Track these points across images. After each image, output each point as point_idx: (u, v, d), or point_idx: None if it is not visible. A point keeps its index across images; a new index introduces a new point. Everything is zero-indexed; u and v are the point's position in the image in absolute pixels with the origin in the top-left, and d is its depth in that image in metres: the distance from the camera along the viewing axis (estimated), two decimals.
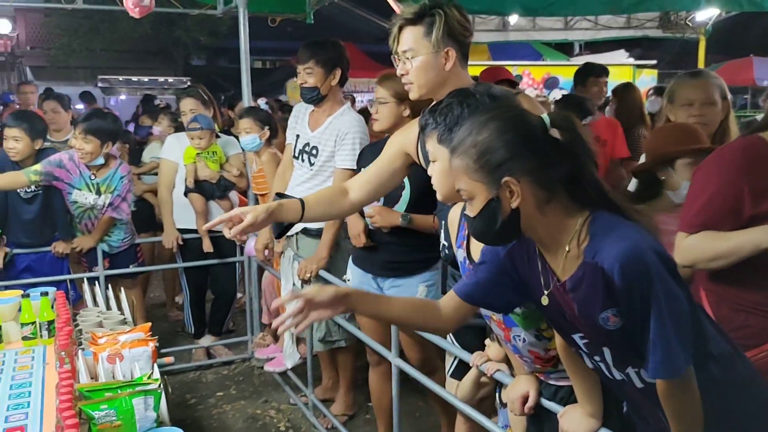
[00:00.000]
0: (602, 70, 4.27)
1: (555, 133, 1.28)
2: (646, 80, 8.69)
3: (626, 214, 1.30)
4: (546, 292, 1.35)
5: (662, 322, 1.21)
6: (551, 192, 1.28)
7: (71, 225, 3.75)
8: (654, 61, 9.72)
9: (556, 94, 7.99)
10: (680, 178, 2.16)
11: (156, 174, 4.88)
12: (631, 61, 9.26)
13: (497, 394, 1.98)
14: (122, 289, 3.02)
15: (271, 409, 3.59)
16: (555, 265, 1.34)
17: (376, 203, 2.76)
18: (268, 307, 4.06)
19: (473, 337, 2.08)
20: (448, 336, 2.22)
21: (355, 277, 2.94)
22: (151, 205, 4.83)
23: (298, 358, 3.48)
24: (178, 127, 5.00)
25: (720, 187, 1.72)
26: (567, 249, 1.30)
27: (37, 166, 3.48)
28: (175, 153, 4.00)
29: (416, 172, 2.58)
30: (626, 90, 4.55)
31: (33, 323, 2.56)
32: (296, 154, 3.26)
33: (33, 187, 3.56)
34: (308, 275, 3.08)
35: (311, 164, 3.16)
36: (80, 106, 9.34)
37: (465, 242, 1.73)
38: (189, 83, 14.23)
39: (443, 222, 2.01)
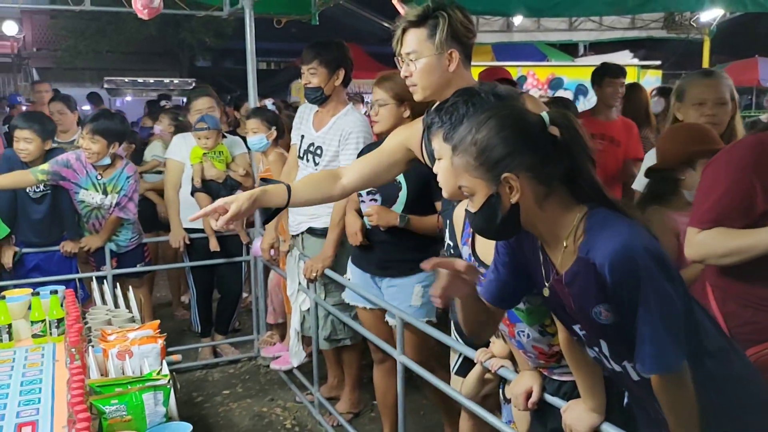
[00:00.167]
0: (618, 71, 4.20)
1: (554, 130, 1.31)
2: (650, 81, 8.68)
3: (622, 211, 1.32)
4: (547, 285, 1.38)
5: (651, 318, 1.24)
6: (550, 188, 1.32)
7: (79, 225, 3.79)
8: (658, 62, 9.71)
9: (561, 95, 8.01)
10: (700, 178, 2.17)
11: (157, 173, 4.95)
12: (636, 61, 9.26)
13: (501, 391, 2.01)
14: (130, 287, 3.06)
15: (277, 407, 3.62)
16: (555, 258, 1.37)
17: (375, 203, 2.78)
18: (274, 308, 4.09)
19: None
20: (452, 333, 2.24)
21: (354, 277, 2.96)
22: (153, 204, 4.86)
23: (304, 356, 3.51)
24: (178, 126, 5.08)
25: (732, 184, 1.73)
26: (565, 244, 1.33)
27: (45, 166, 3.51)
28: (181, 153, 4.04)
29: (413, 173, 2.61)
30: (633, 90, 4.55)
31: (43, 321, 2.60)
32: (301, 154, 3.28)
33: (41, 187, 3.60)
34: (314, 274, 3.11)
35: (316, 164, 3.19)
36: (87, 107, 9.40)
37: (470, 239, 1.75)
38: (194, 84, 14.30)
39: (448, 221, 2.03)
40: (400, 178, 2.70)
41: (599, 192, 1.33)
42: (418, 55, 1.98)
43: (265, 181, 2.16)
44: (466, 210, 1.41)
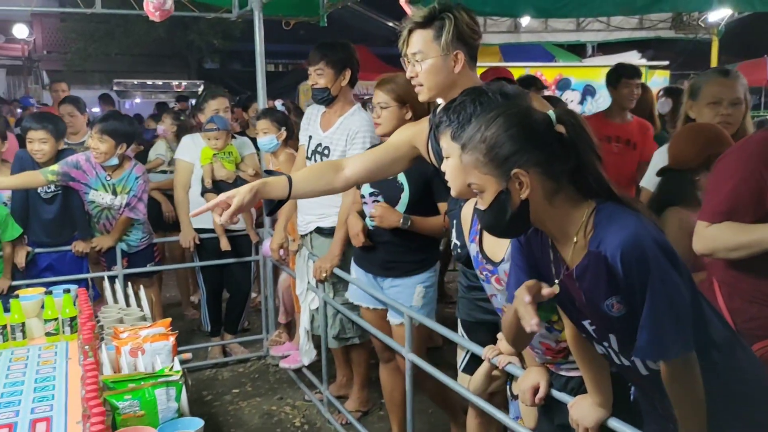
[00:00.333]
0: (634, 72, 4.10)
1: (560, 128, 1.33)
2: (658, 81, 8.65)
3: (629, 205, 1.35)
4: (557, 281, 1.40)
5: (655, 306, 1.26)
6: (559, 184, 1.34)
7: (90, 225, 3.83)
8: (666, 62, 9.68)
9: (569, 96, 8.01)
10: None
11: (161, 172, 5.01)
12: (644, 62, 9.23)
13: (508, 387, 2.02)
14: (141, 287, 3.09)
15: (287, 405, 3.65)
16: (565, 255, 1.39)
17: (381, 202, 2.80)
18: (286, 308, 4.12)
19: (485, 333, 2.12)
20: (459, 331, 2.26)
21: (357, 277, 2.99)
22: (158, 204, 4.90)
23: (314, 354, 3.53)
24: (181, 126, 5.18)
25: (743, 178, 1.74)
26: (575, 240, 1.35)
27: (55, 167, 3.55)
28: (190, 153, 4.07)
29: (414, 174, 2.63)
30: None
31: (56, 320, 2.63)
32: (309, 155, 3.31)
33: (52, 187, 3.63)
34: (324, 275, 3.13)
35: None
36: (96, 109, 9.48)
37: (478, 237, 1.77)
38: (202, 86, 14.37)
39: (455, 221, 2.05)
40: (402, 179, 2.72)
41: (606, 187, 1.36)
42: (423, 55, 1.99)
43: (268, 173, 2.16)
44: (476, 207, 1.43)
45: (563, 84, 8.89)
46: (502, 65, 7.54)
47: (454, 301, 2.59)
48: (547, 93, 6.79)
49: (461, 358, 2.29)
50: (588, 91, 8.30)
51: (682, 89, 5.38)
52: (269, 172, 2.14)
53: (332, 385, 3.62)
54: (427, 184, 2.67)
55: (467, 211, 1.86)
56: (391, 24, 6.99)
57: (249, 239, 4.14)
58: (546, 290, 1.35)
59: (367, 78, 7.31)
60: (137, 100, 16.36)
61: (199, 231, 4.05)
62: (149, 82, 16.06)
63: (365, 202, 2.85)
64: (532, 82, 4.83)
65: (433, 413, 3.35)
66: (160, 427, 1.81)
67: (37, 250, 3.66)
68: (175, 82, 16.29)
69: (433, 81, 2.01)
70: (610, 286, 1.30)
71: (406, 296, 2.76)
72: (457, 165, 1.70)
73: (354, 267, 3.01)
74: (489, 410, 1.99)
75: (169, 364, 2.15)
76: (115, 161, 3.67)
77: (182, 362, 2.28)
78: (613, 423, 1.51)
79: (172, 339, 2.28)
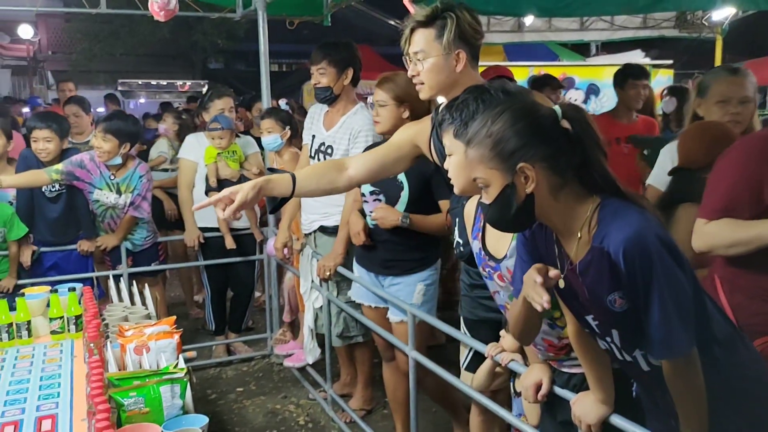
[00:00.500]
0: (641, 73, 4.07)
1: (566, 124, 1.34)
2: (662, 80, 8.63)
3: (633, 201, 1.35)
4: (561, 276, 1.40)
5: (662, 304, 1.27)
6: (564, 179, 1.35)
7: (94, 224, 3.84)
8: (670, 61, 9.65)
9: (572, 95, 8.00)
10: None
11: (164, 170, 5.03)
12: (648, 61, 9.22)
13: (511, 384, 2.03)
14: (146, 285, 3.10)
15: (291, 404, 3.65)
16: (569, 250, 1.40)
17: (379, 203, 2.80)
18: (291, 307, 4.13)
19: (488, 330, 2.13)
20: (461, 329, 2.27)
21: (360, 276, 3.00)
22: (160, 202, 4.91)
23: (319, 353, 3.55)
24: (182, 124, 5.23)
25: (740, 176, 1.74)
26: (579, 235, 1.36)
27: (59, 166, 3.57)
28: (194, 152, 4.08)
29: (414, 173, 2.63)
30: None
31: (61, 318, 2.65)
32: (312, 154, 3.32)
33: (57, 186, 3.65)
34: (327, 273, 3.14)
35: None
36: (101, 109, 9.52)
37: (480, 234, 1.78)
38: (206, 86, 14.40)
39: (457, 220, 2.05)
40: (402, 177, 2.72)
41: (611, 183, 1.36)
42: (425, 54, 2.00)
43: (271, 171, 2.16)
44: (480, 202, 1.43)
45: (567, 83, 8.88)
46: (505, 64, 7.54)
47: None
48: (572, 94, 6.82)
49: (464, 356, 2.30)
50: (592, 90, 8.29)
51: (686, 88, 5.38)
52: (272, 170, 2.14)
53: (336, 383, 3.63)
54: (426, 183, 2.68)
55: (470, 208, 1.87)
56: (394, 23, 7.00)
57: (253, 238, 4.15)
58: (553, 272, 1.35)
59: (371, 77, 7.29)
60: (142, 100, 16.40)
61: (203, 230, 4.07)
62: (154, 82, 16.11)
63: (366, 201, 2.86)
64: (547, 82, 4.82)
65: (436, 412, 3.36)
66: (165, 424, 1.82)
67: (43, 249, 3.68)
68: (179, 82, 16.33)
69: (434, 80, 2.02)
70: (613, 282, 1.30)
71: (407, 294, 2.76)
72: (459, 162, 1.71)
73: (356, 266, 3.02)
74: (492, 407, 2.00)
75: (173, 362, 2.16)
76: (118, 161, 3.68)
77: (186, 361, 2.29)
78: (616, 420, 1.52)
79: (176, 337, 2.30)
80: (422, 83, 2.04)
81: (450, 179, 1.80)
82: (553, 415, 1.80)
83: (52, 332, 2.65)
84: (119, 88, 15.27)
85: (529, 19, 7.00)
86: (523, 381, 1.78)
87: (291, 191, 2.03)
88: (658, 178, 2.62)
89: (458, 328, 2.30)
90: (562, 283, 1.41)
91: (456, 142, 1.70)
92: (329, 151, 3.20)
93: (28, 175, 3.54)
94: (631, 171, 3.79)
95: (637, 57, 9.28)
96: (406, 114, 2.73)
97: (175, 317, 2.50)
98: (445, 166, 1.82)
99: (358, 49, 3.25)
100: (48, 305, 2.71)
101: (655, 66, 8.88)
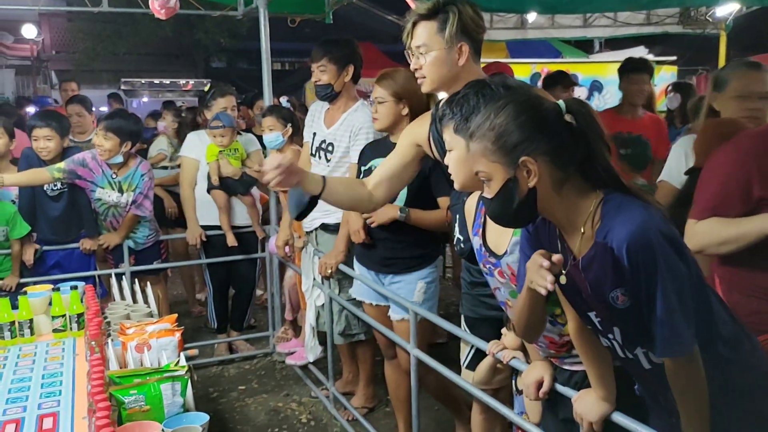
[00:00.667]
0: (640, 66, 3.95)
1: (570, 117, 1.33)
2: (666, 76, 8.60)
3: (637, 196, 1.34)
4: (564, 272, 1.39)
5: (667, 300, 1.25)
6: (567, 173, 1.33)
7: (97, 222, 3.85)
8: (674, 57, 9.62)
9: (575, 92, 7.96)
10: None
11: (163, 168, 5.04)
12: (651, 57, 9.19)
13: (513, 382, 2.02)
14: (148, 283, 3.10)
15: (293, 402, 3.65)
16: (572, 245, 1.39)
17: None
18: (292, 305, 4.13)
19: (489, 329, 2.12)
20: (462, 327, 2.26)
21: (360, 274, 2.99)
22: (160, 200, 4.90)
23: (320, 351, 3.54)
24: (181, 122, 5.25)
25: (728, 174, 1.74)
26: (582, 231, 1.34)
27: (61, 164, 3.57)
28: (196, 150, 4.08)
29: None
30: None
31: (63, 316, 2.65)
32: (313, 152, 3.31)
33: (58, 185, 3.66)
34: (329, 271, 3.13)
35: (328, 160, 3.22)
36: (104, 108, 9.53)
37: (481, 230, 1.77)
38: (209, 85, 14.39)
39: (457, 216, 2.05)
40: None
41: (615, 178, 1.35)
42: (427, 48, 2.00)
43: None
44: (482, 197, 1.42)
45: None
46: (508, 62, 7.52)
47: None
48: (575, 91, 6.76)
49: (465, 355, 2.29)
50: (595, 87, 8.27)
51: (691, 84, 5.35)
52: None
53: (338, 381, 3.62)
54: (425, 179, 2.67)
55: (471, 205, 1.86)
56: (396, 20, 6.98)
57: (255, 235, 4.15)
58: (556, 257, 1.34)
59: (374, 75, 7.27)
60: (145, 99, 16.41)
61: (205, 228, 4.07)
62: (157, 81, 16.10)
63: None
64: (559, 79, 4.76)
65: (439, 410, 3.35)
66: (166, 422, 1.82)
67: (45, 247, 3.68)
68: (182, 81, 16.33)
69: (436, 73, 2.01)
70: (616, 278, 1.29)
71: (408, 292, 2.76)
72: (460, 157, 1.70)
73: (356, 265, 3.01)
74: (494, 405, 1.99)
75: (174, 360, 2.17)
76: (119, 159, 3.68)
77: (188, 359, 2.30)
78: (617, 417, 1.51)
79: (178, 335, 2.30)
80: (424, 77, 2.04)
81: (450, 175, 1.79)
82: (554, 413, 1.79)
83: (54, 330, 2.66)
84: (122, 87, 15.27)
85: (531, 16, 6.98)
86: (525, 378, 1.78)
87: (320, 190, 2.03)
88: (671, 173, 2.59)
89: (459, 326, 2.29)
90: (564, 279, 1.40)
91: (456, 138, 1.70)
92: (330, 148, 3.20)
93: (30, 173, 3.54)
94: (636, 169, 3.75)
95: (640, 53, 9.26)
96: (405, 110, 2.73)
97: (176, 315, 2.50)
98: (446, 161, 1.81)
99: (358, 46, 3.25)
100: (50, 303, 2.72)
101: (658, 62, 8.85)
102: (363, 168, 2.86)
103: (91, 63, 15.44)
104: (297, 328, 4.08)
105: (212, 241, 4.09)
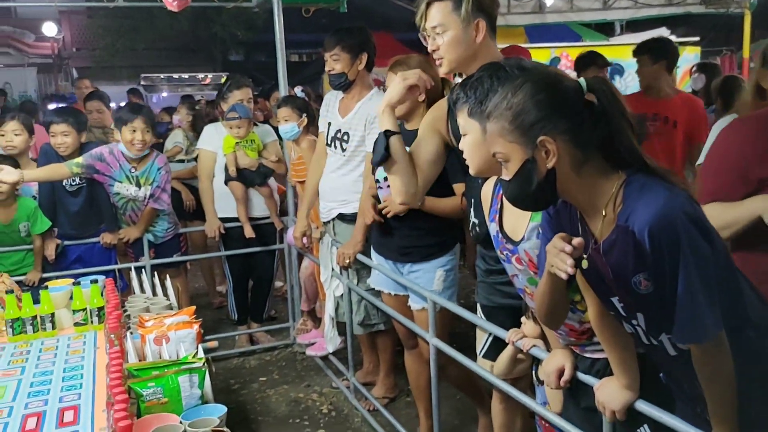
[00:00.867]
0: (641, 49, 3.84)
1: (591, 96, 1.28)
2: (689, 58, 8.43)
3: (662, 177, 1.29)
4: (585, 256, 1.35)
5: (691, 284, 1.21)
6: (587, 154, 1.29)
7: (116, 217, 3.87)
8: (697, 38, 9.43)
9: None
10: None
11: (180, 161, 5.06)
12: (674, 38, 9.01)
13: (533, 372, 1.99)
14: (168, 276, 3.11)
15: (314, 393, 3.66)
16: (594, 228, 1.34)
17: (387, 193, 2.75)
18: (308, 295, 4.13)
19: (506, 317, 2.09)
20: (479, 314, 2.23)
21: (378, 264, 2.96)
22: (178, 193, 4.91)
23: (339, 341, 3.54)
24: (196, 115, 5.31)
25: (726, 155, 1.73)
26: (604, 213, 1.30)
27: (79, 159, 3.59)
28: (213, 142, 4.08)
29: None
30: None
31: (84, 310, 2.67)
32: (329, 142, 3.29)
33: (77, 180, 3.68)
34: (347, 261, 3.12)
35: (343, 150, 3.20)
36: (123, 103, 9.62)
37: (497, 216, 1.74)
38: (226, 78, 14.44)
39: (473, 200, 2.01)
40: None
41: (638, 158, 1.30)
42: (444, 28, 1.96)
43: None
44: (500, 179, 1.38)
45: None
46: (527, 47, 7.42)
47: None
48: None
49: (481, 344, 2.25)
50: (616, 71, 8.12)
51: (716, 65, 5.22)
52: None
53: (359, 372, 3.62)
54: None
55: (487, 190, 1.82)
56: (412, 7, 6.91)
57: (273, 227, 4.15)
58: (576, 240, 1.30)
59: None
60: (164, 94, 16.53)
61: (223, 220, 4.08)
62: (175, 75, 16.20)
63: (380, 187, 2.82)
64: (593, 59, 4.65)
65: (460, 399, 3.33)
66: (184, 414, 1.82)
67: (66, 242, 3.72)
68: (200, 75, 16.41)
69: (454, 53, 1.98)
70: (638, 262, 1.25)
71: (427, 281, 2.72)
72: (475, 141, 1.66)
73: (374, 254, 2.99)
74: (514, 394, 1.96)
75: (193, 352, 2.17)
76: (146, 152, 3.71)
77: (207, 350, 2.30)
78: (641, 405, 1.47)
79: (196, 327, 2.30)
80: (442, 58, 2.00)
81: (465, 160, 1.75)
82: (576, 402, 1.75)
83: (76, 324, 2.68)
84: (142, 82, 15.39)
85: (550, 0, 6.88)
86: (545, 367, 1.74)
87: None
88: None
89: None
90: (585, 264, 1.36)
91: (471, 121, 1.66)
92: (345, 137, 3.17)
93: (49, 168, 3.57)
94: (664, 152, 3.58)
95: (662, 35, 9.09)
96: (422, 97, 2.68)
97: (194, 307, 2.51)
98: (460, 146, 1.77)
99: (371, 34, 3.22)
100: (71, 297, 2.74)
101: (681, 43, 8.68)
102: None
103: (110, 59, 15.58)
104: (316, 319, 4.07)
105: (231, 234, 4.10)
